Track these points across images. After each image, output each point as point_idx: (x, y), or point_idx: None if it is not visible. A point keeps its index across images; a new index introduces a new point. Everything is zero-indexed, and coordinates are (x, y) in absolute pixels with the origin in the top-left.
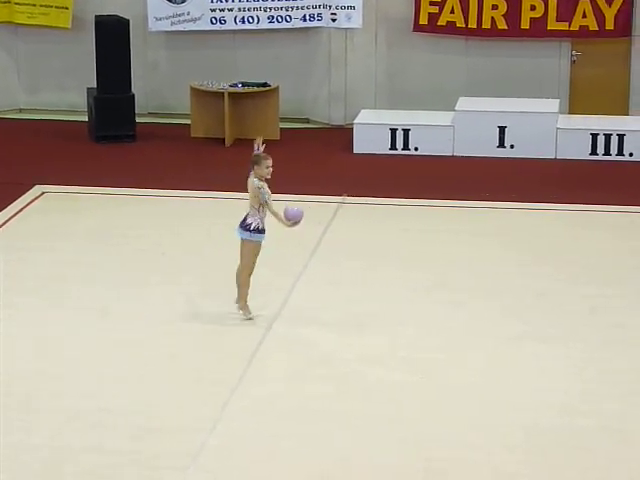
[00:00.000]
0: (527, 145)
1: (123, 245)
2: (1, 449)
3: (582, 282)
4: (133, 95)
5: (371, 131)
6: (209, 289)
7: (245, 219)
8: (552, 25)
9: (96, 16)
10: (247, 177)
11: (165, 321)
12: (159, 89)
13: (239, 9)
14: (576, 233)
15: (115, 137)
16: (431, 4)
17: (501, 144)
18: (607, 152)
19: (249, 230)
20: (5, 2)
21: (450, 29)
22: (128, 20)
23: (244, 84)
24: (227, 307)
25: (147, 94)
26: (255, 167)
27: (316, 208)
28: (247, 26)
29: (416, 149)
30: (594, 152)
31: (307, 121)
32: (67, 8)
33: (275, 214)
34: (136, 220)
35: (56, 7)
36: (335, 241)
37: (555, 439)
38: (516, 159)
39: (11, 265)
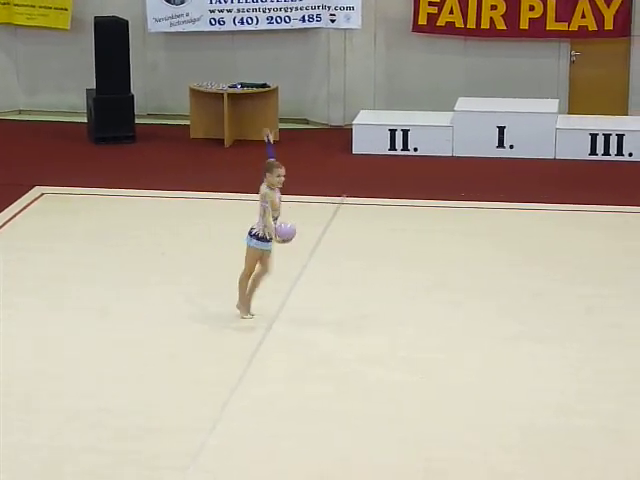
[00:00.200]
0: (526, 145)
1: (123, 246)
2: (1, 449)
3: (578, 282)
4: (132, 96)
5: (370, 132)
6: (209, 289)
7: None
8: (551, 25)
9: (95, 17)
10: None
11: (165, 321)
12: (158, 90)
13: (238, 10)
14: (569, 233)
15: (114, 138)
16: (430, 4)
17: (500, 144)
18: (606, 152)
19: (251, 236)
20: (4, 3)
21: (449, 29)
22: (127, 21)
23: (243, 85)
24: (227, 307)
25: (146, 95)
26: (267, 174)
27: (315, 208)
28: (246, 27)
29: (415, 149)
30: (593, 152)
31: (306, 122)
32: (66, 9)
33: (269, 226)
34: (136, 221)
35: (55, 8)
36: (334, 241)
37: (551, 439)
38: (515, 159)
39: (11, 265)
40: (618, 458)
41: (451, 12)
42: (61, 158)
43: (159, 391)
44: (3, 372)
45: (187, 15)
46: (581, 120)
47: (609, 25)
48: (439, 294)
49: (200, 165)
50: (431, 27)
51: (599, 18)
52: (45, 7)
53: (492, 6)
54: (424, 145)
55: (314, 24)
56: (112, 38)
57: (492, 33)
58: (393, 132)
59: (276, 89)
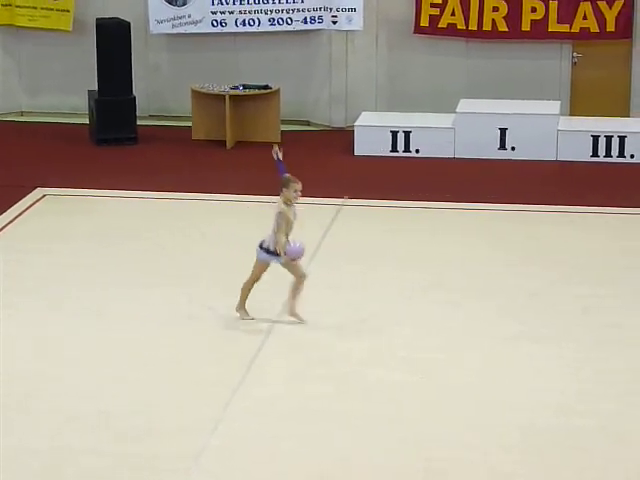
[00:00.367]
0: (528, 147)
1: (123, 247)
2: (1, 450)
3: (574, 282)
4: (134, 98)
5: (372, 133)
6: (209, 290)
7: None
8: (553, 27)
9: (97, 19)
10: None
11: (165, 322)
12: (160, 92)
13: (240, 12)
14: (566, 233)
15: (116, 140)
16: (432, 6)
17: (502, 146)
18: (608, 154)
19: (262, 249)
20: (6, 5)
21: (451, 31)
22: (129, 23)
23: (245, 86)
24: (227, 308)
25: (148, 97)
26: (283, 190)
27: (317, 210)
28: (248, 29)
29: (417, 151)
30: (595, 154)
31: (308, 123)
32: (68, 11)
33: (281, 244)
34: (137, 222)
35: (57, 10)
36: (335, 244)
37: (551, 439)
38: (517, 161)
39: (11, 266)
40: (618, 458)
41: (453, 14)
42: (63, 159)
43: (160, 392)
44: (3, 372)
45: (189, 17)
46: (583, 122)
47: (611, 27)
48: (438, 295)
49: (202, 166)
50: (433, 29)
51: (601, 20)
52: (47, 9)
53: (494, 8)
54: (426, 147)
55: (316, 26)
56: (114, 40)
57: (494, 35)
58: (395, 134)
59: (278, 91)
